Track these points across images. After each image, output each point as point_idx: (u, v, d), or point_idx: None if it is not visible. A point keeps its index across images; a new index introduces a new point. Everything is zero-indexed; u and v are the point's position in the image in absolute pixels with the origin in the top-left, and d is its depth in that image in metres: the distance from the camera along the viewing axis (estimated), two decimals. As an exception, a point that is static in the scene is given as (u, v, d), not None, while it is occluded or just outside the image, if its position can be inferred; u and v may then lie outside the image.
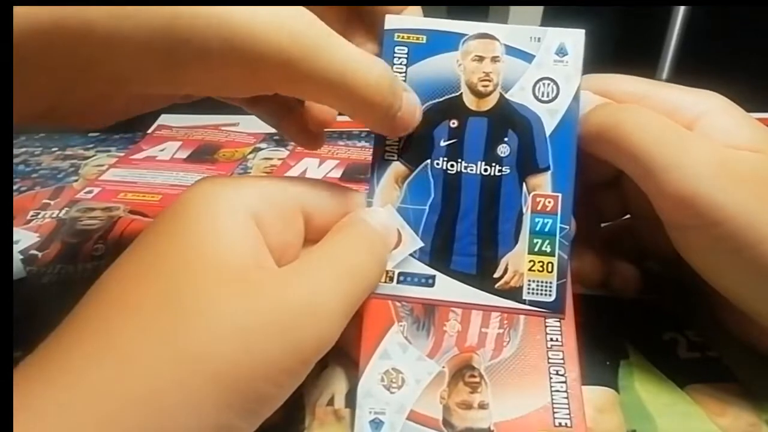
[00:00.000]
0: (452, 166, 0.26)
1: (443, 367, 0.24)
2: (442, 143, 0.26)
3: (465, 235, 0.26)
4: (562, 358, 0.24)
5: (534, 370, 0.24)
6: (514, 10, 0.86)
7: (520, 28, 0.26)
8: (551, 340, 0.24)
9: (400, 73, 0.26)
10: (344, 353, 0.25)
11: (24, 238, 0.35)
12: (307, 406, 0.24)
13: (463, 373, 0.24)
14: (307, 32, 0.19)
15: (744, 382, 0.26)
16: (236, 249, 0.20)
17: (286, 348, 0.19)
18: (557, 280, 0.25)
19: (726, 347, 0.27)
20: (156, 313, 0.18)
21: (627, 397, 0.25)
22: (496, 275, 0.25)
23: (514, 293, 0.25)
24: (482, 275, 0.25)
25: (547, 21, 0.89)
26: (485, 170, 0.26)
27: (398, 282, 0.25)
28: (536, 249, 0.25)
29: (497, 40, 0.26)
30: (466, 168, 0.26)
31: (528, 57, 0.26)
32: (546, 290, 0.25)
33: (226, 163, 0.44)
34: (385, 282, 0.25)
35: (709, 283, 0.25)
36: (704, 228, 0.23)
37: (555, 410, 0.23)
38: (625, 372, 0.26)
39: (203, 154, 0.46)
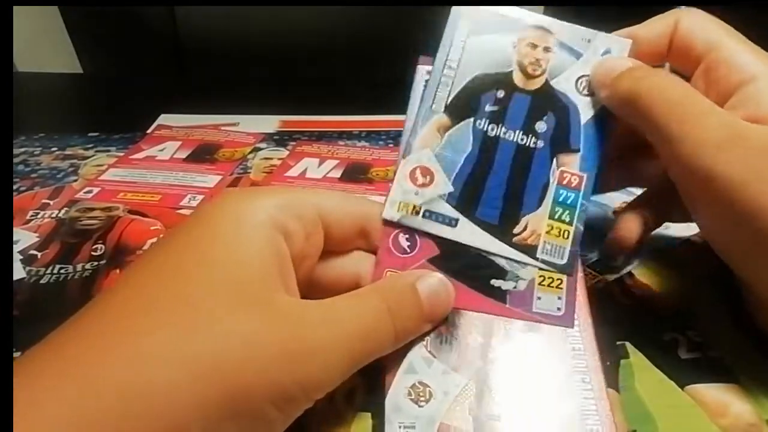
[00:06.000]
0: (492, 129, 0.27)
1: (469, 379, 0.24)
2: (487, 108, 0.28)
3: (493, 188, 0.27)
4: (586, 366, 0.24)
5: (560, 379, 0.24)
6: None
7: (575, 28, 0.28)
8: (574, 349, 0.25)
9: (461, 41, 0.28)
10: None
11: (23, 238, 0.35)
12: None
13: (489, 384, 0.24)
14: None
15: (745, 383, 0.26)
16: (261, 267, 0.20)
17: (291, 376, 0.19)
18: (570, 247, 0.26)
19: (727, 347, 0.27)
20: (173, 319, 0.18)
21: (628, 398, 0.25)
22: (515, 230, 0.26)
23: (529, 249, 0.26)
24: (503, 227, 0.26)
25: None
26: (522, 140, 0.27)
27: (423, 217, 0.26)
28: (556, 216, 0.27)
29: (552, 33, 0.28)
30: (504, 134, 0.27)
31: (576, 54, 0.28)
32: (559, 253, 0.26)
33: (226, 163, 0.44)
34: (411, 215, 0.26)
35: (719, 255, 0.26)
36: (711, 202, 0.23)
37: (585, 417, 0.23)
38: (625, 372, 0.26)
39: (203, 154, 0.46)
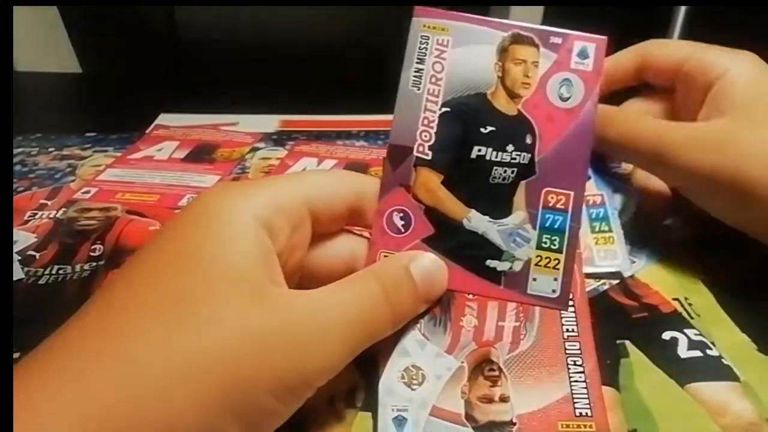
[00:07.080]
0: None
1: (462, 362, 0.24)
2: None
3: None
4: (579, 349, 0.25)
5: (552, 362, 0.24)
6: (515, 10, 0.86)
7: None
8: (567, 331, 0.25)
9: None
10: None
11: (21, 238, 0.35)
12: (307, 405, 0.24)
13: (482, 367, 0.24)
14: None
15: (745, 382, 0.26)
16: (252, 262, 0.20)
17: (290, 366, 0.19)
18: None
19: (727, 346, 0.27)
20: (167, 315, 0.18)
21: (628, 397, 0.25)
22: None
23: None
24: None
25: (547, 21, 0.89)
26: None
27: None
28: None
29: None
30: None
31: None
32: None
33: (224, 163, 0.44)
34: None
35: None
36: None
37: (575, 400, 0.23)
38: (625, 371, 0.26)
39: (201, 153, 0.45)
